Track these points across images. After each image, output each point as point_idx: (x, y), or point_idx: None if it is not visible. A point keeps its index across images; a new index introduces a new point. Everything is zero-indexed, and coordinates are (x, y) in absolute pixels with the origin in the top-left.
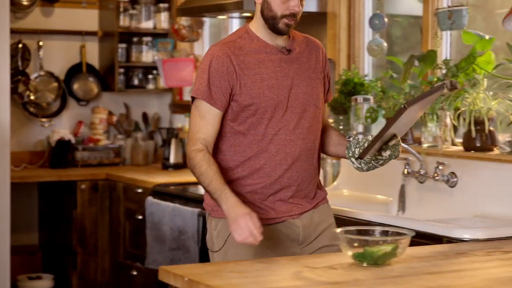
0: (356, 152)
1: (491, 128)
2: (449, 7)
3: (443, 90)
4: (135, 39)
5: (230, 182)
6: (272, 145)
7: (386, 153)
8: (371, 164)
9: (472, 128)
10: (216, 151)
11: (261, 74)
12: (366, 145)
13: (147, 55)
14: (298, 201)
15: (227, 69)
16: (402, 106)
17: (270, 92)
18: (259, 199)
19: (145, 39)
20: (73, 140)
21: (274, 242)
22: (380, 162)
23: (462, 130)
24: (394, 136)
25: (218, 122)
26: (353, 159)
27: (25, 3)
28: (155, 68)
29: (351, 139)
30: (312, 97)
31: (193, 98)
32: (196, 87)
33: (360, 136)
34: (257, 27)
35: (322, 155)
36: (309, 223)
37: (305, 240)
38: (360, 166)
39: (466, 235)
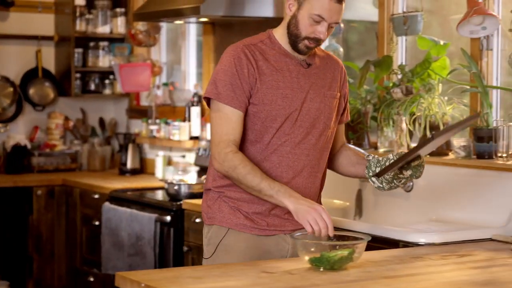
0: (377, 172)
1: None
2: (404, 12)
3: (474, 120)
4: (91, 44)
5: (229, 186)
6: (275, 155)
7: (408, 173)
8: (393, 184)
9: (428, 133)
10: None
11: (277, 81)
12: (387, 163)
13: (104, 60)
14: (293, 217)
15: (248, 71)
16: (430, 135)
17: (283, 102)
18: (254, 208)
19: (102, 44)
20: (29, 146)
21: (262, 254)
22: (402, 181)
23: (417, 135)
24: (418, 156)
25: (242, 123)
26: (373, 179)
27: None
28: (112, 73)
29: (370, 158)
30: (323, 114)
31: (208, 98)
32: (216, 90)
33: (380, 157)
34: (281, 35)
35: None
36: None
37: (294, 257)
38: (381, 186)
39: (421, 239)
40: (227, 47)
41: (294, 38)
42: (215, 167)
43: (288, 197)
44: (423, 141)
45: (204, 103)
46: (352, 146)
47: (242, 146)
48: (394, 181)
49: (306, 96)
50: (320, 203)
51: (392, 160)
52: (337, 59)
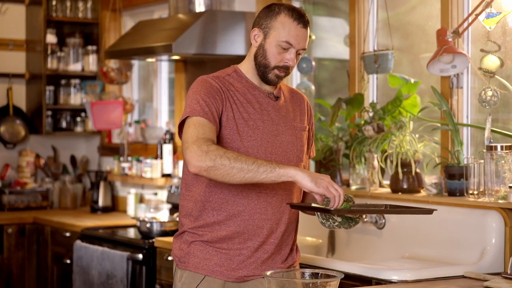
0: (294, 204)
1: (418, 170)
2: (375, 51)
3: (426, 213)
4: (63, 82)
5: (204, 226)
6: (254, 191)
7: (338, 219)
8: (329, 222)
9: (399, 170)
10: (191, 190)
11: (248, 113)
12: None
13: (75, 98)
14: (274, 258)
15: (220, 96)
16: (384, 206)
17: (254, 133)
18: (236, 247)
19: (73, 81)
20: None
21: None
22: (336, 223)
23: (389, 172)
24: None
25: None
26: (318, 213)
27: None
28: (84, 110)
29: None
30: (296, 147)
31: (180, 125)
32: (191, 108)
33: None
34: (248, 68)
35: None
36: None
37: None
38: (322, 222)
39: (394, 277)
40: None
41: (263, 69)
42: (194, 164)
43: (288, 166)
44: (374, 208)
45: (176, 140)
46: None
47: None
48: (330, 220)
49: (277, 129)
50: (296, 237)
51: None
52: (301, 93)
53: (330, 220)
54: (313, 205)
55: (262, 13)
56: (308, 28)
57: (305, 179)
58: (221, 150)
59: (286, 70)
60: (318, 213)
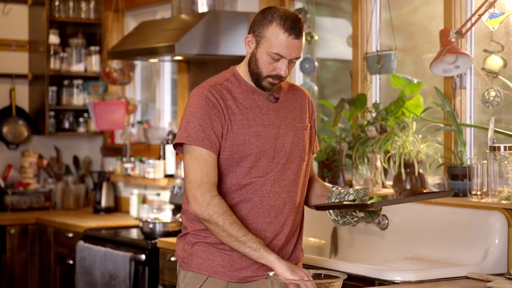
0: (319, 205)
1: (421, 171)
2: (377, 51)
3: (446, 196)
4: (65, 82)
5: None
6: (257, 196)
7: (360, 214)
8: (346, 219)
9: (402, 170)
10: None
11: (248, 120)
12: (345, 197)
13: (78, 98)
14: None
15: (218, 111)
16: (395, 195)
17: (256, 140)
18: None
19: (76, 82)
20: (2, 184)
21: None
22: (355, 219)
23: (392, 172)
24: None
25: (216, 165)
26: (330, 211)
27: None
28: (86, 111)
29: (334, 189)
30: (298, 148)
31: (176, 145)
32: (186, 133)
33: (342, 190)
34: (245, 71)
35: None
36: None
37: None
38: (336, 219)
39: (397, 278)
40: (193, 89)
41: (256, 77)
42: (193, 210)
43: (272, 252)
44: (388, 198)
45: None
46: (321, 180)
47: (220, 185)
48: (347, 216)
49: (278, 131)
50: (301, 236)
51: (352, 195)
52: (302, 88)
53: (348, 216)
54: (345, 202)
55: (257, 18)
56: (302, 36)
57: (282, 268)
58: (221, 208)
59: (279, 78)
60: (331, 210)
